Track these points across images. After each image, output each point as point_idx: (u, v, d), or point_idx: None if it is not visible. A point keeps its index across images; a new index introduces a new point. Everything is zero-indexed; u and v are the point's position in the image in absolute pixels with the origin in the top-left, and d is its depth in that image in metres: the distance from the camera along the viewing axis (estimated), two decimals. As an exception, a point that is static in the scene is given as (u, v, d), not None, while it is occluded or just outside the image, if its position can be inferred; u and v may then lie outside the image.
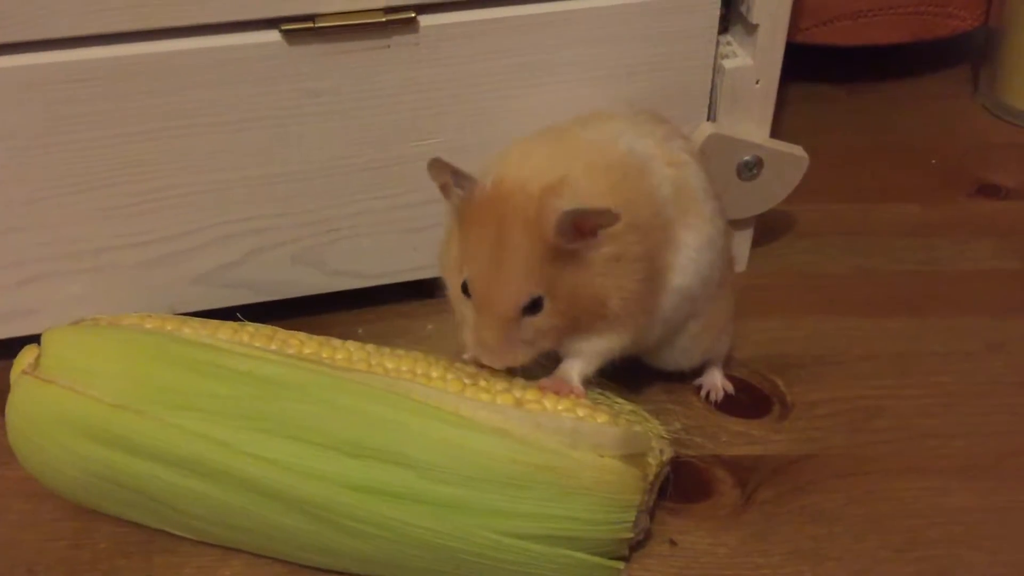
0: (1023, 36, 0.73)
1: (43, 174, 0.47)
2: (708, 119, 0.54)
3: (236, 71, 0.46)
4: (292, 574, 0.43)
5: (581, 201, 0.38)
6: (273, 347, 0.43)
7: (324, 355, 0.43)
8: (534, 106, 0.51)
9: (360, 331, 0.56)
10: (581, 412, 0.41)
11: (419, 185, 0.45)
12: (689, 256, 0.44)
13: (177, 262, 0.52)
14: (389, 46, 0.47)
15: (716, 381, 0.52)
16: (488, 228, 0.39)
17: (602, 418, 0.41)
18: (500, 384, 0.42)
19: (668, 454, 0.44)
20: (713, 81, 0.53)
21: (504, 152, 0.42)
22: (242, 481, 0.39)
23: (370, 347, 0.44)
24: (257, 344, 0.43)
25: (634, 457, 0.41)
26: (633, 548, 0.43)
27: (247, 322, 0.45)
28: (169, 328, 0.43)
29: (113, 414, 0.40)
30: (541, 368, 0.43)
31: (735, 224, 0.57)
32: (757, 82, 0.53)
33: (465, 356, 0.43)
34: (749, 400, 0.52)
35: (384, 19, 0.46)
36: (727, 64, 0.52)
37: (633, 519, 0.41)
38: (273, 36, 0.46)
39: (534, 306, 0.39)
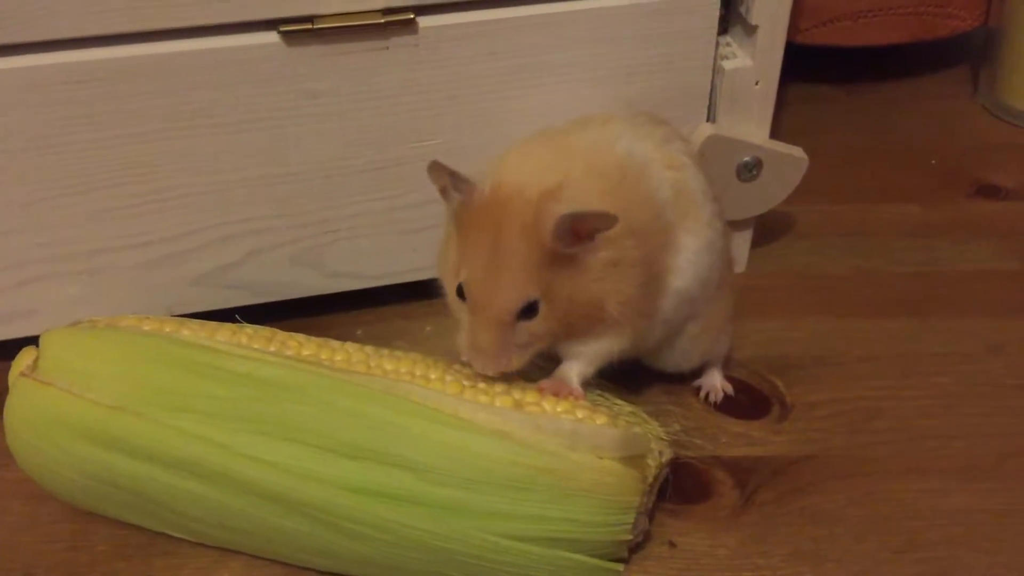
0: (1023, 36, 0.73)
1: (42, 175, 0.47)
2: (707, 120, 0.54)
3: (235, 72, 0.46)
4: (291, 576, 0.43)
5: (579, 205, 0.38)
6: (272, 349, 0.42)
7: (323, 357, 0.43)
8: (533, 107, 0.51)
9: (359, 332, 0.56)
10: (580, 414, 0.41)
11: (418, 186, 0.45)
12: (688, 259, 0.44)
13: (176, 263, 0.52)
14: (388, 47, 0.47)
15: (715, 382, 0.52)
16: (486, 232, 0.39)
17: (601, 420, 0.41)
18: (499, 386, 0.42)
19: (667, 455, 0.44)
20: (713, 82, 0.53)
21: (502, 156, 0.42)
22: (241, 483, 0.39)
23: (369, 349, 0.44)
24: (256, 346, 0.43)
25: (633, 459, 0.41)
26: (632, 550, 0.43)
27: (246, 323, 0.45)
28: (167, 330, 0.43)
29: (111, 416, 0.40)
30: (540, 370, 0.43)
31: (735, 225, 0.57)
32: (756, 83, 0.53)
33: (463, 359, 0.43)
34: (749, 401, 0.52)
35: (383, 20, 0.46)
36: (727, 65, 0.52)
37: (632, 521, 0.41)
38: (272, 37, 0.46)
39: (530, 310, 0.39)
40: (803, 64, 0.75)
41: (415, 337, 0.55)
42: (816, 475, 0.47)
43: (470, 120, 0.51)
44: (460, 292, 0.40)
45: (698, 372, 0.52)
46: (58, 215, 0.48)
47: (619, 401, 0.45)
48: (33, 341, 0.43)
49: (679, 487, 0.46)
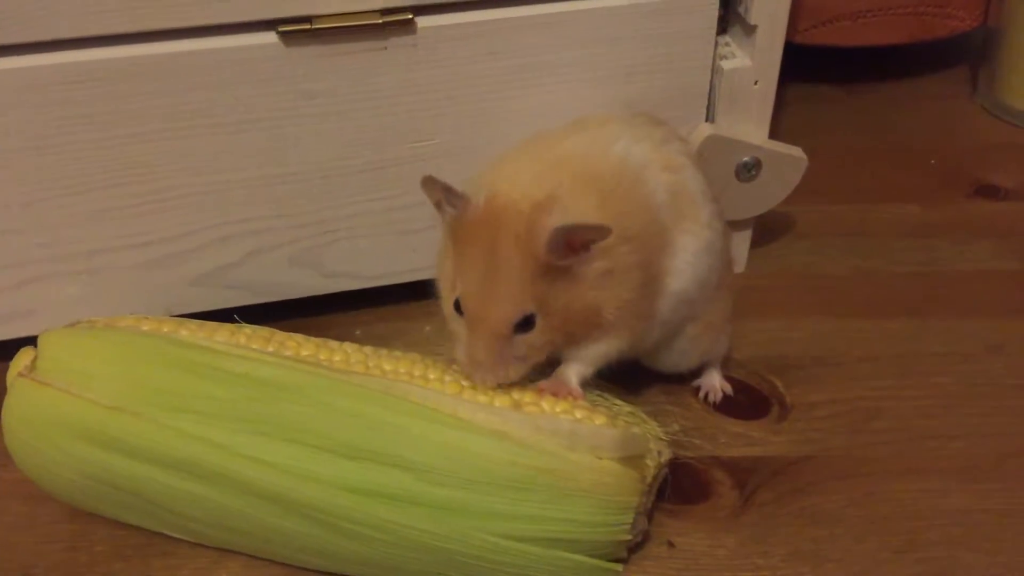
0: (1022, 36, 0.73)
1: (41, 175, 0.47)
2: (707, 120, 0.54)
3: (233, 73, 0.46)
4: (289, 576, 0.43)
5: (572, 217, 0.38)
6: (270, 349, 0.42)
7: (322, 357, 0.43)
8: (532, 107, 0.51)
9: (358, 332, 0.56)
10: (579, 414, 0.41)
11: (416, 187, 0.44)
12: (686, 260, 0.44)
13: (175, 264, 0.51)
14: (386, 48, 0.47)
15: (715, 382, 0.52)
16: (480, 246, 0.39)
17: (600, 420, 0.41)
18: (498, 386, 0.42)
19: (666, 456, 0.44)
20: (712, 82, 0.53)
21: (496, 165, 0.42)
22: (239, 483, 0.39)
23: (368, 349, 0.44)
24: (254, 346, 0.42)
25: (632, 459, 0.40)
26: (631, 550, 0.43)
27: (244, 324, 0.45)
28: (166, 330, 0.43)
29: (110, 416, 0.40)
30: (539, 371, 0.43)
31: (734, 225, 0.57)
32: (756, 83, 0.53)
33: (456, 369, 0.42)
34: (748, 401, 0.52)
35: (381, 20, 0.46)
36: (726, 65, 0.52)
37: (631, 521, 0.40)
38: (270, 38, 0.46)
39: (526, 323, 0.39)
40: (802, 64, 0.75)
41: (414, 337, 0.55)
42: (816, 475, 0.47)
43: (469, 120, 0.51)
44: (457, 306, 0.40)
45: (697, 372, 0.52)
46: (57, 215, 0.48)
47: (618, 401, 0.45)
48: (31, 341, 0.43)
49: (678, 487, 0.46)
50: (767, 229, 0.62)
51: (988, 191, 0.68)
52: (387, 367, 0.42)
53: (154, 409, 0.40)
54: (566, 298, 0.40)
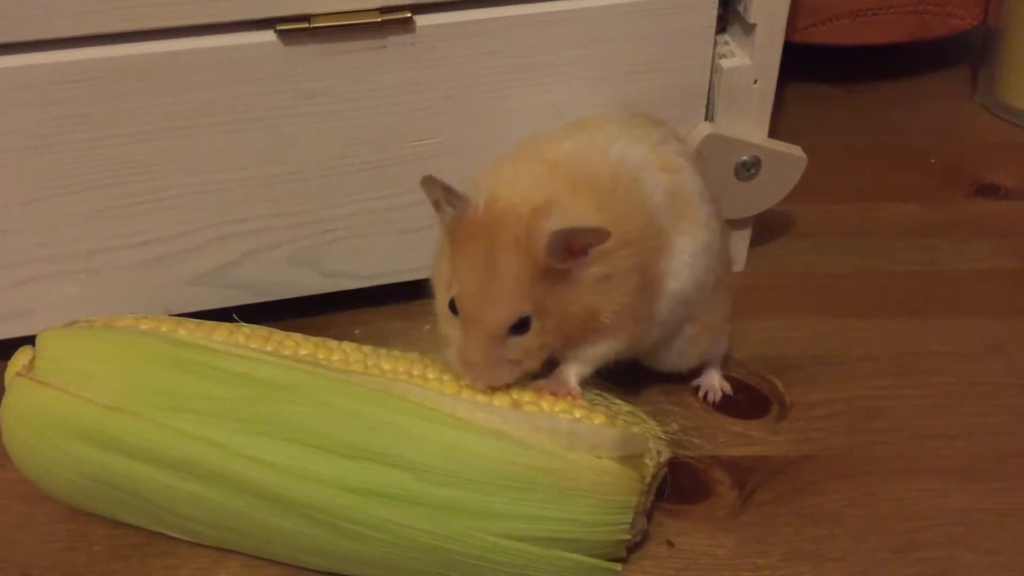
0: (1022, 35, 0.73)
1: (38, 175, 0.47)
2: (706, 119, 0.54)
3: (232, 72, 0.46)
4: (288, 576, 0.43)
5: (571, 220, 0.38)
6: (269, 348, 0.42)
7: (321, 356, 0.43)
8: (531, 106, 0.51)
9: (357, 332, 0.56)
10: (578, 413, 0.41)
11: (415, 186, 0.44)
12: (684, 261, 0.44)
13: (173, 263, 0.51)
14: (385, 46, 0.47)
15: (714, 382, 0.51)
16: (478, 247, 0.39)
17: (599, 419, 0.41)
18: (497, 385, 0.42)
19: (666, 455, 0.44)
20: (711, 81, 0.53)
21: (494, 169, 0.41)
22: (238, 483, 0.39)
23: (367, 348, 0.44)
24: (253, 345, 0.42)
25: (631, 458, 0.40)
26: (631, 549, 0.43)
27: (243, 323, 0.44)
28: (164, 329, 0.43)
29: (108, 416, 0.40)
30: (539, 371, 0.43)
31: (733, 224, 0.57)
32: (755, 82, 0.52)
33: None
34: (747, 401, 0.52)
35: (380, 19, 0.46)
36: (725, 64, 0.52)
37: (630, 520, 0.40)
38: (269, 36, 0.46)
39: (522, 325, 0.39)
40: (802, 63, 0.74)
41: (413, 337, 0.55)
42: (815, 475, 0.47)
43: (468, 119, 0.50)
44: (452, 306, 0.40)
45: (697, 372, 0.52)
46: (55, 215, 0.48)
47: (617, 401, 0.45)
48: (30, 341, 0.43)
49: (677, 487, 0.46)
50: (766, 228, 0.62)
51: (988, 190, 0.68)
52: (386, 366, 0.42)
53: (153, 409, 0.40)
54: (563, 302, 0.40)
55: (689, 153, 0.47)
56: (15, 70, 0.44)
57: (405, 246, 0.54)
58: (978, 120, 0.77)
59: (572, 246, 0.38)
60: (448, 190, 0.39)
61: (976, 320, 0.56)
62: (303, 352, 0.43)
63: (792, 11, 0.52)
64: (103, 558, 0.44)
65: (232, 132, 0.48)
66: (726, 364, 0.53)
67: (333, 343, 0.44)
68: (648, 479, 0.42)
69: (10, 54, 0.44)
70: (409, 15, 0.46)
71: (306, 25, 0.46)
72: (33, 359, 0.42)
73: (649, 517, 0.44)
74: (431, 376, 0.42)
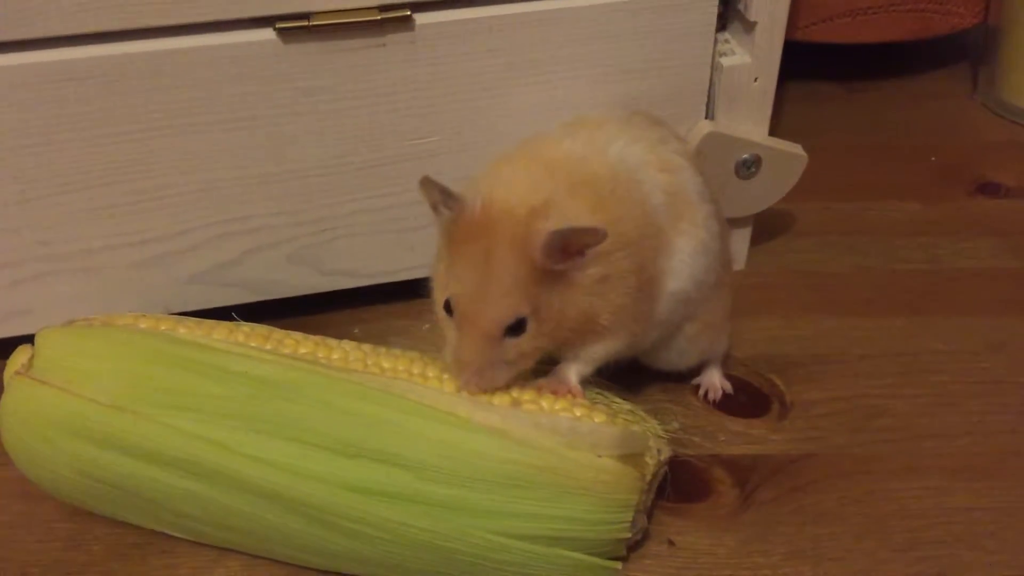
0: (1022, 33, 0.73)
1: (37, 174, 0.47)
2: (706, 117, 0.54)
3: (231, 70, 0.46)
4: (288, 575, 0.43)
5: (568, 222, 0.38)
6: (268, 347, 0.42)
7: (320, 355, 0.43)
8: (531, 104, 0.51)
9: (356, 331, 0.56)
10: (578, 412, 0.41)
11: (415, 185, 0.44)
12: (683, 261, 0.44)
13: (172, 262, 0.51)
14: (384, 45, 0.47)
15: (714, 380, 0.51)
16: (475, 248, 0.39)
17: (599, 418, 0.41)
18: (496, 384, 0.42)
19: (666, 454, 0.43)
20: (711, 79, 0.53)
21: (492, 170, 0.41)
22: (238, 482, 0.39)
23: (366, 347, 0.44)
24: (252, 344, 0.42)
25: (632, 457, 0.40)
26: (631, 548, 0.43)
27: (242, 322, 0.44)
28: (164, 328, 0.43)
29: (107, 415, 0.40)
30: (538, 370, 0.43)
31: (733, 222, 0.57)
32: (755, 80, 0.52)
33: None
34: (748, 399, 0.51)
35: (379, 17, 0.46)
36: (725, 62, 0.52)
37: (631, 519, 0.40)
38: (268, 35, 0.46)
39: (518, 326, 0.39)
40: (802, 62, 0.74)
41: (413, 335, 0.55)
42: (816, 474, 0.47)
43: (468, 117, 0.50)
44: (447, 307, 0.40)
45: (697, 370, 0.52)
46: (54, 213, 0.48)
47: (617, 399, 0.45)
48: (28, 340, 0.43)
49: (678, 485, 0.46)
50: (767, 227, 0.62)
51: (989, 189, 0.68)
52: (386, 365, 0.42)
53: (152, 407, 0.40)
54: (561, 303, 0.39)
55: (688, 152, 0.47)
56: (14, 68, 0.44)
57: (404, 245, 0.54)
58: (978, 119, 0.77)
59: (569, 247, 0.38)
60: (445, 192, 0.39)
61: (977, 318, 0.56)
62: (302, 351, 0.43)
63: (793, 9, 0.52)
64: (102, 557, 0.44)
65: (231, 130, 0.48)
66: (726, 363, 0.53)
67: (332, 341, 0.44)
68: (648, 477, 0.42)
69: (9, 52, 0.44)
70: (409, 13, 0.46)
71: (305, 23, 0.45)
72: (32, 358, 0.42)
73: (650, 516, 0.44)
74: (431, 375, 0.42)
